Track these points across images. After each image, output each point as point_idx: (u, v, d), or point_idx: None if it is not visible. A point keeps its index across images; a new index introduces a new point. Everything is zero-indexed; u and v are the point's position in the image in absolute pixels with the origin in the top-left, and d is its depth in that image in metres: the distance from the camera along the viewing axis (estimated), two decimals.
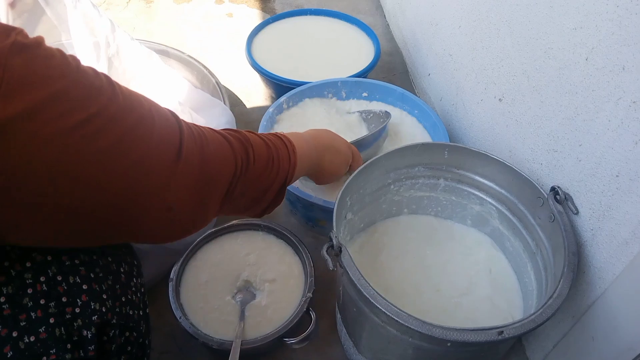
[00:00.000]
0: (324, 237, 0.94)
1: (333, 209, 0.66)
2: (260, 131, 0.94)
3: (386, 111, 0.98)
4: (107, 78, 0.41)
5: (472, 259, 0.78)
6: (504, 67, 0.80)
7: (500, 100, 0.82)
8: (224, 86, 1.10)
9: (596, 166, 0.59)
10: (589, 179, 0.60)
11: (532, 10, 0.70)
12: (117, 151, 0.39)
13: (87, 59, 0.86)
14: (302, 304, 0.74)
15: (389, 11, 1.52)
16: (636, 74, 0.52)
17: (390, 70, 1.37)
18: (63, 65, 0.37)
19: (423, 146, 0.74)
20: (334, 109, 1.05)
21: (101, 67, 0.93)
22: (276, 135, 0.62)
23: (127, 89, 0.42)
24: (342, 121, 1.02)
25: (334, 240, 0.59)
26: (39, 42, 0.37)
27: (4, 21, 0.75)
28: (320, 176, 0.74)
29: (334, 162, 0.73)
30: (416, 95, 1.28)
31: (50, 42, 0.98)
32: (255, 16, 1.56)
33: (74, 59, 0.39)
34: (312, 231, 0.96)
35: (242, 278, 0.78)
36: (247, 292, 0.77)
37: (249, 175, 0.55)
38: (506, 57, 0.79)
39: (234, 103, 1.25)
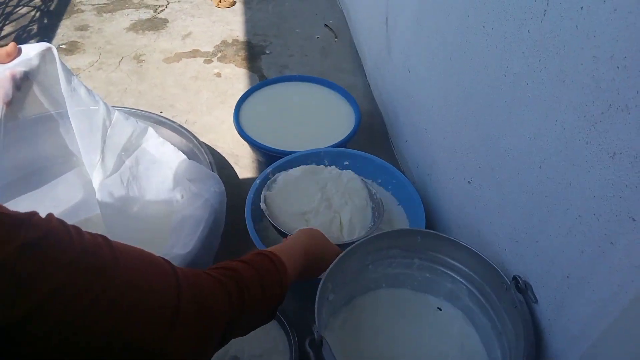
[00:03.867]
0: (309, 304, 0.98)
1: (316, 288, 0.71)
2: (248, 203, 1.00)
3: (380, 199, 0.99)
4: (105, 240, 0.42)
5: (446, 334, 0.84)
6: (471, 154, 0.87)
7: (469, 182, 0.89)
8: (211, 153, 1.15)
9: (550, 264, 0.66)
10: (545, 274, 0.67)
11: (494, 111, 0.77)
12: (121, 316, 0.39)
13: (86, 146, 0.92)
14: None
15: (370, 73, 1.61)
16: (580, 191, 0.58)
17: (372, 132, 1.44)
18: (69, 250, 0.37)
19: (398, 232, 0.81)
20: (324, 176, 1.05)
21: (95, 146, 0.98)
22: (269, 257, 0.61)
23: (122, 246, 0.43)
24: (339, 188, 1.02)
25: (315, 335, 0.64)
26: (49, 229, 0.37)
27: None
28: (306, 279, 0.75)
29: (321, 268, 0.75)
30: (396, 158, 1.36)
31: (37, 113, 1.00)
32: (242, 76, 1.64)
33: (77, 232, 0.39)
34: (298, 297, 1.01)
35: (230, 354, 0.83)
36: None
37: (244, 316, 0.55)
38: (472, 147, 0.86)
39: (222, 166, 1.31)
